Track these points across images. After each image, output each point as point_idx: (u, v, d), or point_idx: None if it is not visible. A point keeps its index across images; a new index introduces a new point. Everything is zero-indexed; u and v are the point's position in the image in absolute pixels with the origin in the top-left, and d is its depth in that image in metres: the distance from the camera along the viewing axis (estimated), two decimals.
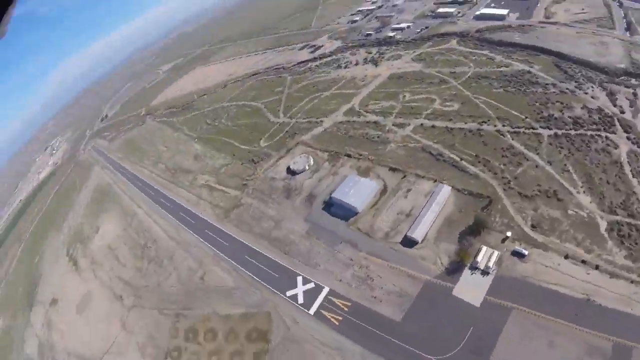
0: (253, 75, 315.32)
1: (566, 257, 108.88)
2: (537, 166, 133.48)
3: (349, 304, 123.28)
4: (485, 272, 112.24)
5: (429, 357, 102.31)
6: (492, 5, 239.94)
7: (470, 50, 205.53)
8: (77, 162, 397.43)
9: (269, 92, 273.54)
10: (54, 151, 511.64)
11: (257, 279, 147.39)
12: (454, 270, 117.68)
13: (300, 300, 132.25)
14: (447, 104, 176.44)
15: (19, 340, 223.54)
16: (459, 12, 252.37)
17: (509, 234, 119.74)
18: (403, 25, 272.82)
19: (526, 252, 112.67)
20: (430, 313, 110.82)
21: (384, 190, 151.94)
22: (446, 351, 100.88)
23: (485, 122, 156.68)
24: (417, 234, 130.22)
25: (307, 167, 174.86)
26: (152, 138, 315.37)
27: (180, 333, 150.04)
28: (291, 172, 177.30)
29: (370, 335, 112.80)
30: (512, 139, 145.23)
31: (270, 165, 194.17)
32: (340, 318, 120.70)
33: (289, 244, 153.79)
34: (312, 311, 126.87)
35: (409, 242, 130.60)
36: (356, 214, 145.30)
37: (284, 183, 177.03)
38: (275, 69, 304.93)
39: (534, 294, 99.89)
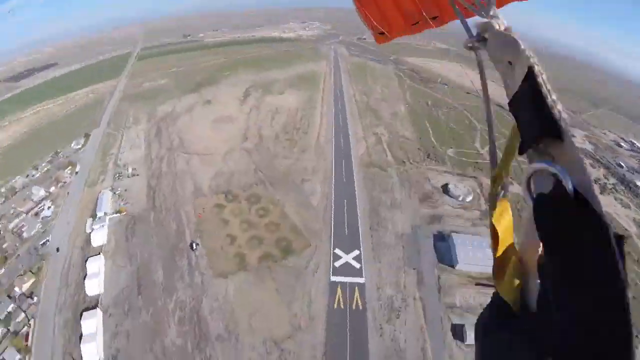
0: None
1: None
2: None
3: (361, 307, 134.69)
4: None
5: None
6: None
7: None
8: (315, 47, 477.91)
9: None
10: (307, 28, 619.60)
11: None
12: None
13: (338, 263, 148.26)
14: None
15: (162, 103, 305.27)
16: None
17: None
18: None
19: None
20: None
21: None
22: None
23: None
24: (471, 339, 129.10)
25: (464, 199, 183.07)
26: (380, 77, 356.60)
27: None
28: (447, 191, 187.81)
29: None
30: None
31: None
32: (342, 308, 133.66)
33: (379, 224, 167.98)
34: (330, 279, 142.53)
35: (459, 335, 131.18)
36: (452, 266, 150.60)
37: (435, 190, 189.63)
38: None
39: None
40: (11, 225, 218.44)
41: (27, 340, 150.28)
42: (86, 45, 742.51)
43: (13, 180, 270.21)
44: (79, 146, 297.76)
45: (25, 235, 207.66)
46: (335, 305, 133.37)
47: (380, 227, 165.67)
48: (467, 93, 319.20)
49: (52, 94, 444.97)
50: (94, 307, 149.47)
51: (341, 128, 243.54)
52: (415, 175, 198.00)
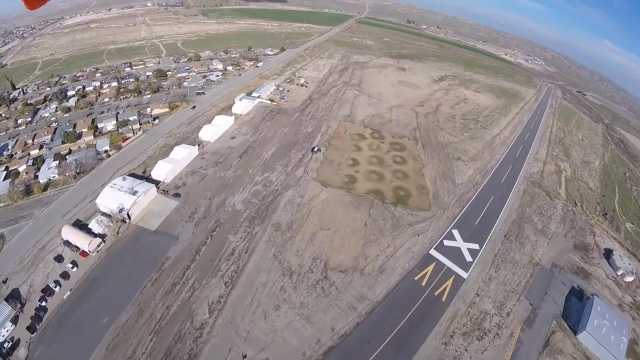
0: None
1: None
2: None
3: (444, 299, 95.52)
4: None
5: None
6: None
7: None
8: (530, 77, 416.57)
9: None
10: (530, 61, 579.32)
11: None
12: None
13: (448, 243, 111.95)
14: None
15: (360, 54, 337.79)
16: None
17: None
18: None
19: None
20: None
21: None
22: None
23: None
24: None
25: (623, 276, 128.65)
26: (585, 128, 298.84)
27: None
28: (609, 256, 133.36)
29: None
30: None
31: None
32: (422, 285, 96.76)
33: (518, 238, 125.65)
34: (429, 251, 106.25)
35: None
36: (574, 330, 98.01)
37: (597, 248, 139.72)
38: None
39: None
40: (178, 75, 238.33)
41: (124, 141, 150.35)
42: None
43: (202, 52, 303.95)
44: (272, 53, 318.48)
45: (185, 84, 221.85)
46: (417, 278, 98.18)
47: (517, 242, 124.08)
48: None
49: (270, 17, 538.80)
50: (193, 146, 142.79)
51: (524, 142, 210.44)
52: (581, 222, 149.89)
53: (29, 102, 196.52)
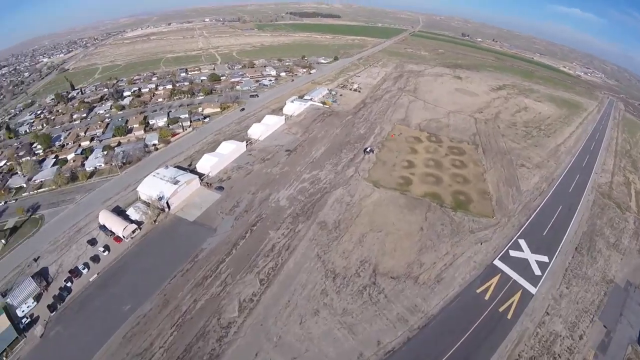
0: None
1: None
2: None
3: (510, 316, 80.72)
4: None
5: None
6: None
7: None
8: (590, 89, 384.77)
9: None
10: (589, 73, 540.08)
11: None
12: None
13: (514, 254, 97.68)
14: None
15: (414, 63, 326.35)
16: None
17: None
18: None
19: None
20: None
21: None
22: None
23: None
24: None
25: None
26: None
27: None
28: None
29: None
30: None
31: None
32: (485, 299, 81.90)
33: (589, 252, 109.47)
34: (493, 261, 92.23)
35: None
36: None
37: None
38: None
39: None
40: (231, 80, 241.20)
41: (173, 136, 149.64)
42: (371, 13, 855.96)
43: (257, 60, 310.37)
44: (325, 61, 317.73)
45: (237, 87, 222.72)
46: (479, 291, 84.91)
47: (589, 256, 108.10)
48: None
49: (324, 31, 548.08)
50: (241, 141, 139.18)
51: (590, 152, 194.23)
52: None
53: (85, 100, 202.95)
